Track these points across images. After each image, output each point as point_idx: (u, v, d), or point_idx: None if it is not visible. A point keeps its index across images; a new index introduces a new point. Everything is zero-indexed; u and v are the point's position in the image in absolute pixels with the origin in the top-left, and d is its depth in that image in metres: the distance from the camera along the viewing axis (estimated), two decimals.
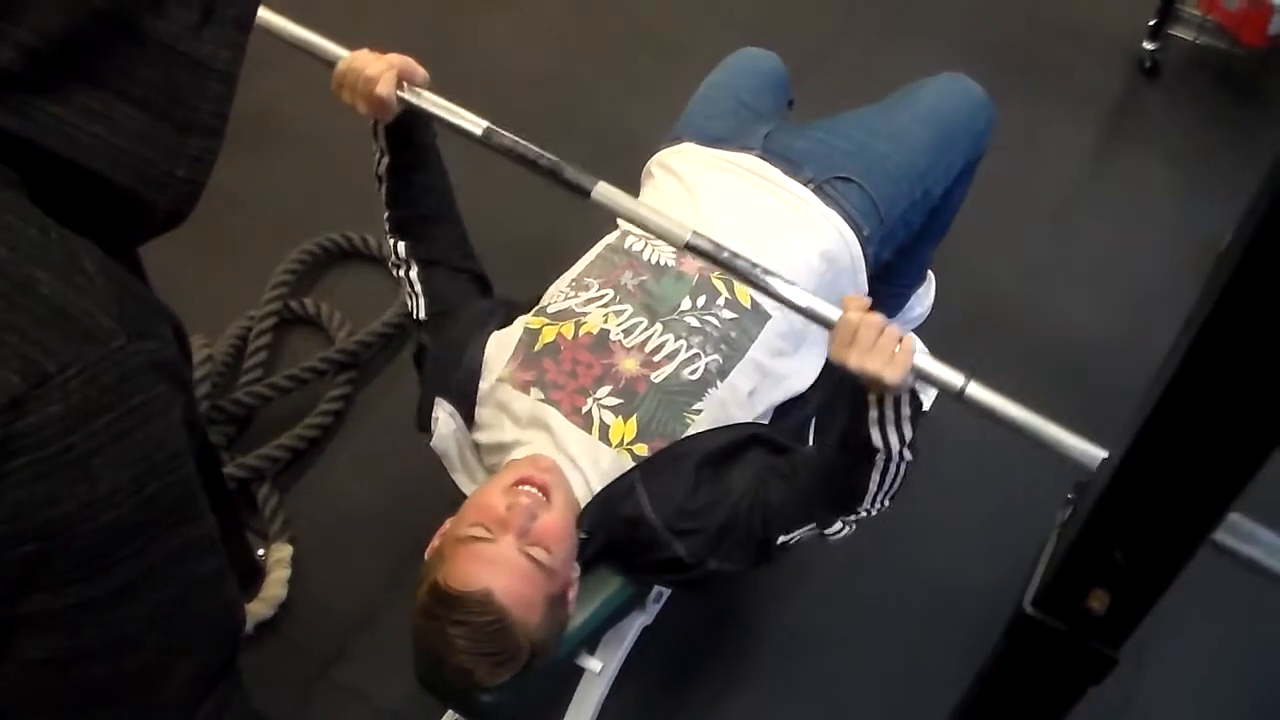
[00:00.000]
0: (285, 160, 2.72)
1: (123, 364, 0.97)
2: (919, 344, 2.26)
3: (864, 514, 1.56)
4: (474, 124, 1.59)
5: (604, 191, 1.53)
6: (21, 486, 0.92)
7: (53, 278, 0.94)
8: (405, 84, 1.60)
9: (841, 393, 1.48)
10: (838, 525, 1.57)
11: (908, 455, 1.48)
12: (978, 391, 1.36)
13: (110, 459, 0.97)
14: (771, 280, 1.46)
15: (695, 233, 1.49)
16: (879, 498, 1.53)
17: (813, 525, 1.57)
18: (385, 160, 1.69)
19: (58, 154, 0.98)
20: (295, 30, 1.65)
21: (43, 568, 0.98)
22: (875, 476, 1.49)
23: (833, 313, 1.41)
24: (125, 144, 1.00)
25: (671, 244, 1.51)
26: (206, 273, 2.52)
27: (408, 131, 1.66)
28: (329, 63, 1.63)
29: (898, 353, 1.36)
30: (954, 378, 1.37)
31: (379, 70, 1.57)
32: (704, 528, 1.54)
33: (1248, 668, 2.10)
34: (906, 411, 1.44)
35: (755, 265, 1.47)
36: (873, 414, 1.43)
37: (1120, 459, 0.79)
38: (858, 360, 1.36)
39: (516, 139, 1.57)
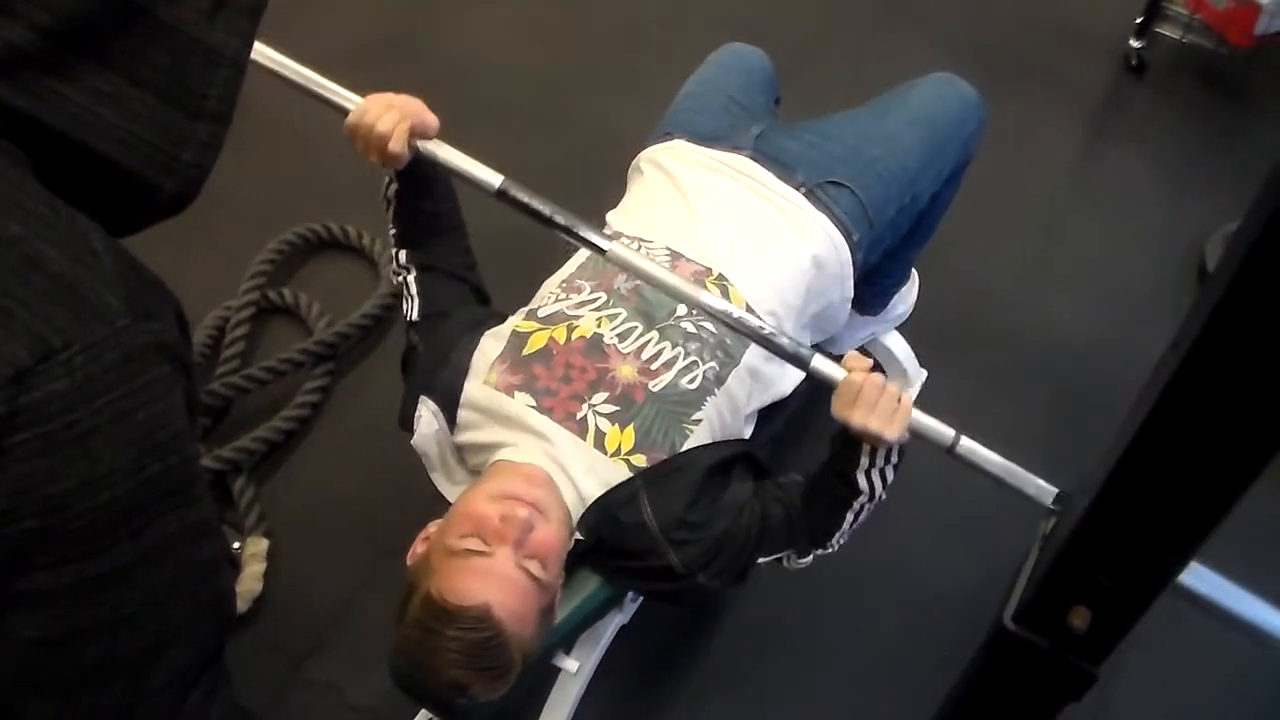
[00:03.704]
0: (265, 149, 2.69)
1: (128, 343, 0.97)
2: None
3: (834, 547, 1.66)
4: (489, 178, 1.60)
5: (617, 251, 1.56)
6: (23, 462, 0.92)
7: (62, 255, 0.94)
8: (418, 139, 1.60)
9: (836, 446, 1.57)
10: (810, 556, 1.68)
11: (883, 497, 1.59)
12: (969, 446, 1.47)
13: (112, 437, 0.97)
14: (780, 340, 1.54)
15: (706, 291, 1.55)
16: (846, 533, 1.64)
17: (790, 551, 1.65)
18: (394, 186, 1.69)
19: (66, 134, 0.98)
20: (307, 74, 1.65)
21: (40, 545, 0.97)
22: (850, 515, 1.60)
23: (836, 372, 1.50)
24: (133, 127, 1.00)
25: (684, 302, 1.59)
26: (183, 262, 2.47)
27: (416, 164, 1.65)
28: (341, 110, 1.63)
29: (897, 411, 1.47)
30: (945, 433, 1.48)
31: (391, 125, 1.57)
32: (701, 539, 1.54)
33: (1225, 675, 2.10)
34: (895, 460, 1.55)
35: (763, 325, 1.55)
36: (864, 461, 1.53)
37: (1105, 479, 0.78)
38: (861, 418, 1.46)
39: (531, 195, 1.59)
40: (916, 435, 1.49)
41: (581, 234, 1.57)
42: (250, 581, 2.12)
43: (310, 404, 2.39)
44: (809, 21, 3.27)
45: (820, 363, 1.52)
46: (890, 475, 1.57)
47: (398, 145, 1.57)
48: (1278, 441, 0.71)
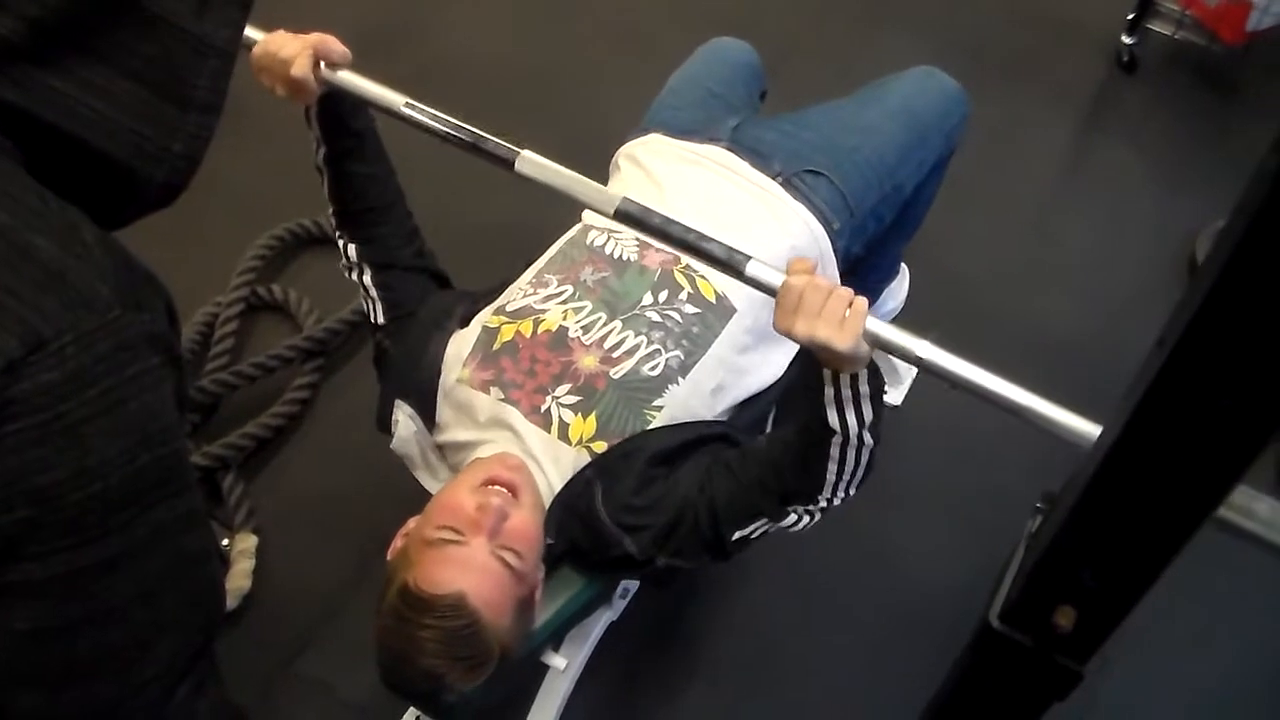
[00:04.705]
0: (254, 144, 2.68)
1: (119, 334, 0.97)
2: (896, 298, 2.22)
3: (825, 504, 1.50)
4: (393, 99, 1.55)
5: (528, 161, 1.48)
6: (15, 452, 0.92)
7: (53, 245, 0.94)
8: (323, 63, 1.54)
9: (800, 378, 1.42)
10: (792, 518, 1.52)
11: (868, 439, 1.42)
12: (938, 356, 1.28)
13: (103, 428, 0.97)
14: (709, 245, 1.39)
15: (625, 199, 1.44)
16: (840, 486, 1.47)
17: (765, 520, 1.52)
18: (323, 150, 1.65)
19: (57, 127, 0.98)
20: None
21: (32, 535, 0.98)
22: (833, 465, 1.43)
23: (776, 278, 1.34)
24: (124, 119, 1.01)
25: (600, 211, 1.46)
26: (172, 258, 2.44)
27: (340, 117, 1.62)
28: (245, 46, 1.56)
29: (848, 316, 1.28)
30: (912, 342, 1.28)
31: (294, 51, 1.52)
32: (650, 524, 1.52)
33: (1214, 672, 2.11)
34: (866, 390, 1.37)
35: (689, 230, 1.41)
36: (829, 392, 1.37)
37: (1090, 476, 0.78)
38: (805, 327, 1.28)
39: (436, 113, 1.53)
40: (877, 346, 1.30)
41: (487, 149, 1.50)
42: (239, 578, 2.11)
43: (299, 400, 2.39)
44: (797, 16, 3.27)
45: (757, 268, 1.36)
46: (867, 411, 1.38)
47: (300, 69, 1.51)
48: (1265, 439, 0.70)
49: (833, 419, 1.39)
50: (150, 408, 1.02)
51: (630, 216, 1.44)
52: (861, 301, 1.30)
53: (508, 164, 1.48)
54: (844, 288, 1.31)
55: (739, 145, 1.86)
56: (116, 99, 0.99)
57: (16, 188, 0.95)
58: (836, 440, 1.41)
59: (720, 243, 1.40)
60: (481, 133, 1.51)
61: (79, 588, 1.05)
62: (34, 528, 0.97)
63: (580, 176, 1.48)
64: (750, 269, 1.36)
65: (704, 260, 1.41)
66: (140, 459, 1.02)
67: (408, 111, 1.54)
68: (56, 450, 0.94)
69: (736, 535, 1.52)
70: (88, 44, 0.97)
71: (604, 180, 1.94)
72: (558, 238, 1.82)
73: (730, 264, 1.37)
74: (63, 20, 0.95)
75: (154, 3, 0.99)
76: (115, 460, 0.99)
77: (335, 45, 1.55)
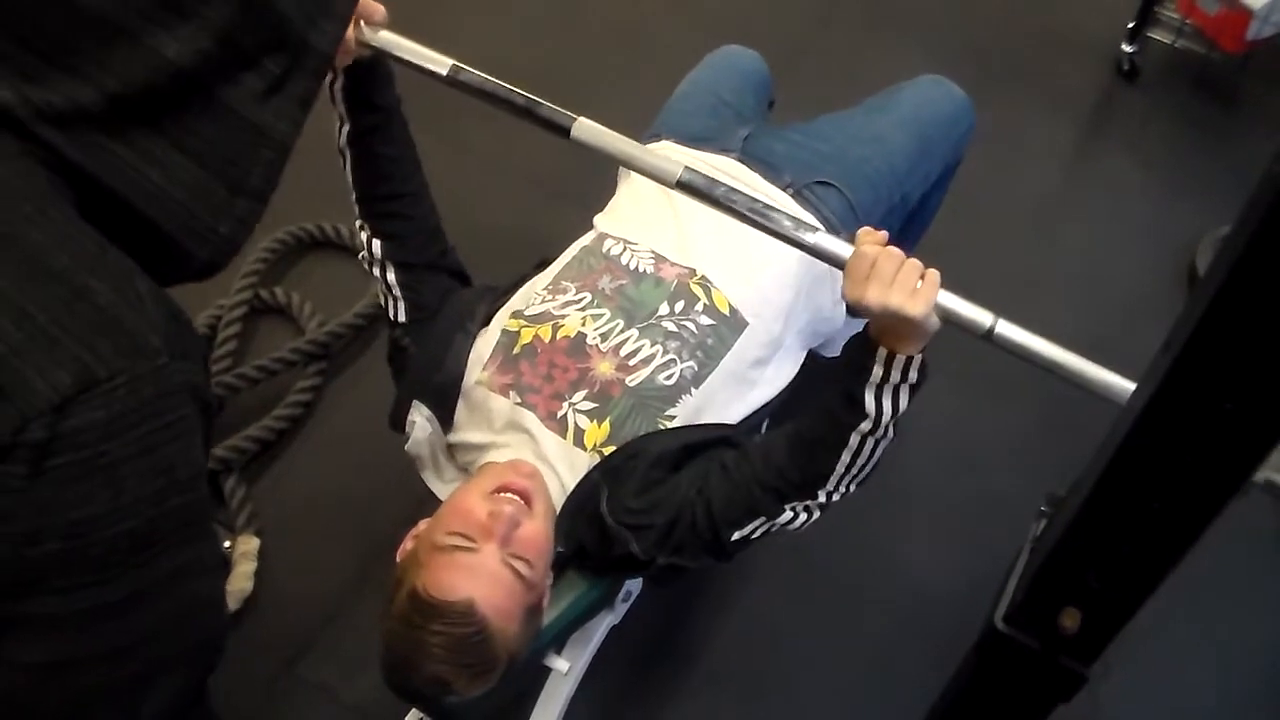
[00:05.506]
0: None
1: (165, 381, 1.00)
2: None
3: (824, 499, 1.50)
4: (439, 63, 1.50)
5: (584, 128, 1.44)
6: (56, 486, 0.94)
7: (109, 290, 0.97)
8: (363, 23, 1.50)
9: (815, 381, 1.42)
10: (788, 514, 1.51)
11: (890, 432, 1.42)
12: (1008, 330, 1.30)
13: (139, 469, 0.99)
14: (774, 215, 1.37)
15: (687, 169, 1.42)
16: (845, 480, 1.47)
17: (762, 518, 1.51)
18: (346, 129, 1.61)
19: (114, 191, 1.02)
20: None
21: (59, 569, 0.99)
22: (846, 454, 1.43)
23: (844, 249, 1.33)
24: (177, 193, 1.04)
25: (663, 182, 1.42)
26: None
27: (367, 93, 1.58)
28: None
29: (921, 286, 1.28)
30: (982, 316, 1.29)
31: None
32: (651, 524, 1.52)
33: (1211, 673, 2.11)
34: (915, 377, 1.37)
35: (755, 200, 1.39)
36: (877, 372, 1.36)
37: (1095, 480, 0.78)
38: (878, 295, 1.27)
39: (486, 77, 1.48)
40: (947, 320, 1.30)
41: (542, 114, 1.46)
42: (240, 580, 2.11)
43: (302, 403, 2.39)
44: (800, 23, 3.27)
45: (823, 239, 1.34)
46: (904, 401, 1.38)
47: None
48: (1269, 443, 0.71)
49: (869, 402, 1.38)
50: (185, 453, 1.05)
51: (694, 188, 1.40)
52: (934, 273, 1.30)
53: (563, 130, 1.45)
54: (914, 259, 1.30)
55: (750, 157, 1.87)
56: (173, 174, 1.03)
57: (75, 230, 0.98)
58: (864, 426, 1.40)
59: (786, 213, 1.39)
60: (536, 99, 1.47)
61: (96, 624, 1.06)
62: (61, 562, 0.99)
63: (637, 144, 1.44)
64: (816, 239, 1.35)
65: (768, 231, 1.38)
66: (170, 501, 1.04)
67: (456, 75, 1.49)
68: (94, 488, 0.97)
69: (736, 536, 1.52)
70: (156, 119, 1.01)
71: (613, 183, 1.95)
72: (562, 240, 1.82)
73: (796, 235, 1.36)
74: (138, 96, 0.99)
75: (223, 90, 1.03)
76: (147, 500, 1.01)
77: (376, 4, 1.53)
